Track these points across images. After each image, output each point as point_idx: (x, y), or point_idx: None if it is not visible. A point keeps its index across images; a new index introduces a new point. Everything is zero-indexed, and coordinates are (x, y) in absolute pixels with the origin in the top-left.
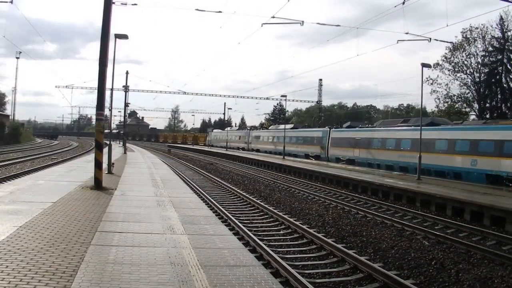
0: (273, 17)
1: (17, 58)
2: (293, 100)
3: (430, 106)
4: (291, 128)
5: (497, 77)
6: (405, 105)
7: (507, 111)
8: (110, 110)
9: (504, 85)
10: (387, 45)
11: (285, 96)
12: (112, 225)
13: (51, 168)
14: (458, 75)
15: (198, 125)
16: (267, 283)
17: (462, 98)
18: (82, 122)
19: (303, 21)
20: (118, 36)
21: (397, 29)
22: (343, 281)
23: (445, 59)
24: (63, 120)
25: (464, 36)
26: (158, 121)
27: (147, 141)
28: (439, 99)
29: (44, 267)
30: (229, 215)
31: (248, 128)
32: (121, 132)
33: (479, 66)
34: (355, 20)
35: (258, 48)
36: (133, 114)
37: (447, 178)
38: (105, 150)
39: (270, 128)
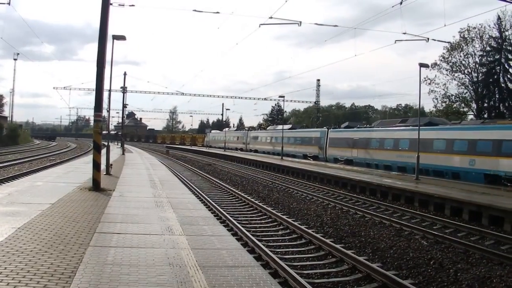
0: (271, 17)
1: (15, 59)
2: (291, 101)
3: (428, 106)
4: (289, 129)
5: (495, 76)
6: (403, 105)
7: (505, 111)
8: (108, 111)
9: (502, 85)
10: (385, 45)
11: (283, 96)
12: (110, 226)
13: (49, 170)
14: (456, 75)
15: (196, 126)
16: (265, 283)
17: (460, 98)
18: (80, 124)
19: (300, 22)
20: (115, 37)
21: (394, 29)
22: (341, 281)
23: (443, 59)
24: (61, 122)
25: (461, 36)
26: (156, 122)
27: (145, 142)
28: (437, 99)
29: (43, 268)
30: (227, 216)
31: (246, 128)
32: (119, 133)
33: (477, 66)
34: (352, 20)
35: (256, 49)
36: (131, 115)
37: (445, 178)
38: (103, 151)
39: (268, 128)
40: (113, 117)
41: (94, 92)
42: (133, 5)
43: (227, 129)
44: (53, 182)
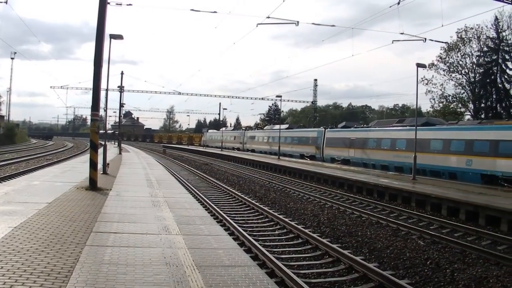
0: (268, 17)
1: (12, 58)
2: (288, 100)
3: (425, 106)
4: (286, 128)
5: (492, 77)
6: (400, 105)
7: (502, 111)
8: (105, 110)
9: (499, 85)
10: (383, 45)
11: (280, 96)
12: (107, 225)
13: (46, 169)
14: (453, 75)
15: (193, 125)
16: (262, 283)
17: (457, 98)
18: (77, 123)
19: (298, 21)
20: (113, 36)
21: (392, 29)
22: (338, 281)
23: (440, 59)
24: (58, 121)
25: (459, 36)
26: (153, 121)
27: (142, 141)
28: (434, 99)
29: (39, 267)
30: (224, 215)
31: (243, 128)
32: (116, 132)
33: (474, 66)
34: (350, 20)
35: (253, 49)
36: (128, 114)
37: (442, 178)
38: (100, 150)
39: (265, 128)
40: (110, 116)
41: (91, 91)
42: (130, 4)
43: (224, 128)
44: (50, 181)
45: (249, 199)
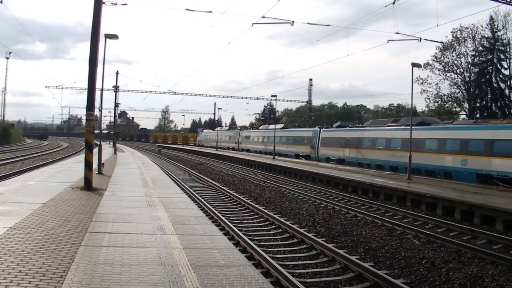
0: (263, 17)
1: (7, 58)
2: (283, 100)
3: (420, 105)
4: (281, 128)
5: (487, 76)
6: (395, 104)
7: (497, 111)
8: (100, 110)
9: (494, 85)
10: (378, 45)
11: (275, 96)
12: (102, 225)
13: (41, 169)
14: (448, 74)
15: (188, 125)
16: (257, 283)
17: (452, 97)
18: (72, 123)
19: (293, 21)
20: (108, 36)
21: (387, 29)
22: (333, 280)
23: (435, 59)
24: (53, 121)
25: (454, 36)
26: (148, 121)
27: (137, 141)
28: (429, 98)
29: (35, 268)
30: (219, 215)
31: (238, 128)
32: (111, 132)
33: (469, 65)
34: (345, 20)
35: (249, 48)
36: (123, 114)
37: (438, 177)
38: (95, 150)
39: (260, 128)
40: (105, 116)
41: (86, 91)
42: (125, 4)
43: (219, 128)
44: (45, 182)
45: (244, 199)
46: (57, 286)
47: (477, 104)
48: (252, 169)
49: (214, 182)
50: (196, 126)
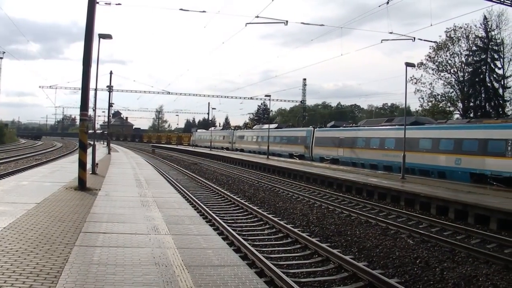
0: (257, 16)
1: (1, 58)
2: (277, 100)
3: (414, 105)
4: (275, 128)
5: (481, 76)
6: (389, 104)
7: (491, 110)
8: (94, 110)
9: (488, 84)
10: (371, 44)
11: (269, 96)
12: (96, 225)
13: (35, 169)
14: (442, 74)
15: (182, 125)
16: (251, 282)
17: (446, 97)
18: (66, 123)
19: (287, 21)
20: (102, 36)
21: (381, 28)
22: (327, 280)
23: (429, 59)
24: (47, 121)
25: (448, 35)
26: (142, 121)
27: (131, 141)
28: (423, 98)
29: (29, 268)
30: (213, 215)
31: (232, 128)
32: (105, 132)
33: (463, 65)
34: (339, 19)
35: (242, 48)
36: (117, 114)
37: (431, 177)
38: (89, 150)
39: (254, 128)
40: (99, 116)
41: (80, 91)
42: (119, 4)
43: (213, 128)
44: (38, 182)
45: (238, 199)
46: (51, 286)
47: (471, 104)
48: (246, 169)
49: (208, 182)
50: (190, 126)
